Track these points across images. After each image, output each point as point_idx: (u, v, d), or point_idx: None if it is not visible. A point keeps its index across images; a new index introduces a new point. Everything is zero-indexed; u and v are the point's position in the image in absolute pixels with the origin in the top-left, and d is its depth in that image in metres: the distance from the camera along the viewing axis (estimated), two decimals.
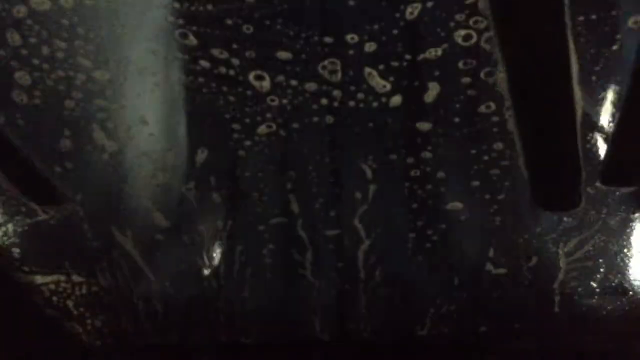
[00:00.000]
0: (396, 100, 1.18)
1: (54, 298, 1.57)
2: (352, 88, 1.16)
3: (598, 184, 1.25)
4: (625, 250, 1.42)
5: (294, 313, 1.61)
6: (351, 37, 1.09)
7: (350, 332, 1.63)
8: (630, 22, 1.02)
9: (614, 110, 1.11)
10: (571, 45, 1.02)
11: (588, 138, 1.16)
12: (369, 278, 1.53)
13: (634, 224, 1.37)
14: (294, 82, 1.16)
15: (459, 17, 1.04)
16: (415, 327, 1.62)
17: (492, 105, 1.16)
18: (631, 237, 1.40)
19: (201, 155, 1.31)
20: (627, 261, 1.45)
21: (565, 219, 1.37)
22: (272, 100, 1.19)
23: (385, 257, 1.49)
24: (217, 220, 1.43)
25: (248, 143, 1.28)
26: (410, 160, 1.29)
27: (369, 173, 1.33)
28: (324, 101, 1.19)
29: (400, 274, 1.52)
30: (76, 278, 1.53)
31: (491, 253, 1.46)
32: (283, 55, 1.12)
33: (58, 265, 1.52)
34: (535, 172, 1.23)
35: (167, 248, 1.47)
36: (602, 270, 1.47)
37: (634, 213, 1.34)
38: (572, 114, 1.09)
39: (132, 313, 1.58)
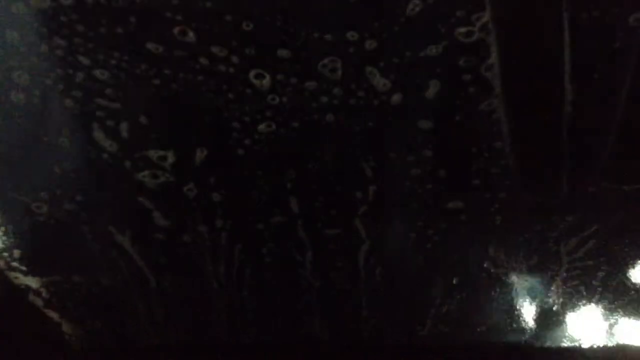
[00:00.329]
0: (397, 98, 1.18)
1: (54, 299, 1.56)
2: (353, 86, 1.16)
3: (602, 182, 1.25)
4: (626, 249, 1.42)
5: (294, 313, 1.61)
6: (351, 35, 1.08)
7: (351, 332, 1.63)
8: (631, 20, 1.02)
9: (615, 107, 1.11)
10: (567, 40, 1.02)
11: (588, 135, 1.16)
12: (369, 278, 1.53)
13: (633, 222, 1.37)
14: (294, 80, 1.16)
15: (460, 13, 1.03)
16: (416, 327, 1.62)
17: (494, 103, 1.16)
18: (631, 236, 1.40)
19: (201, 155, 1.31)
20: (628, 259, 1.45)
21: (566, 217, 1.37)
22: (273, 99, 1.19)
23: (385, 257, 1.49)
24: (216, 220, 1.43)
25: (247, 142, 1.28)
26: (410, 159, 1.29)
27: (369, 173, 1.33)
28: (324, 99, 1.19)
29: (400, 274, 1.52)
30: (76, 278, 1.53)
31: (491, 252, 1.46)
32: (283, 53, 1.12)
33: (58, 266, 1.51)
34: (520, 154, 1.23)
35: (166, 248, 1.47)
36: (603, 268, 1.47)
37: (634, 211, 1.34)
38: (561, 103, 1.09)
39: (132, 313, 1.58)
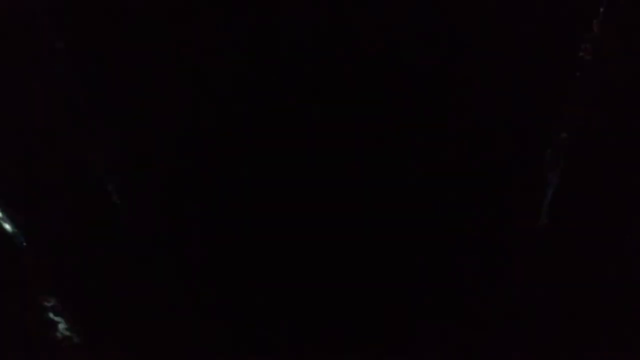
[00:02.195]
0: None
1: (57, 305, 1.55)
2: None
3: None
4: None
5: (296, 313, 1.61)
6: None
7: (349, 332, 1.63)
8: None
9: None
10: None
11: None
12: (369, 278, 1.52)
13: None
14: None
15: None
16: (416, 327, 1.62)
17: None
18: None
19: None
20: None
21: None
22: None
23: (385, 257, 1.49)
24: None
25: None
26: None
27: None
28: None
29: (400, 274, 1.52)
30: (81, 285, 1.52)
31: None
32: None
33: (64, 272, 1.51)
34: None
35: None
36: None
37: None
38: None
39: (133, 314, 1.58)
